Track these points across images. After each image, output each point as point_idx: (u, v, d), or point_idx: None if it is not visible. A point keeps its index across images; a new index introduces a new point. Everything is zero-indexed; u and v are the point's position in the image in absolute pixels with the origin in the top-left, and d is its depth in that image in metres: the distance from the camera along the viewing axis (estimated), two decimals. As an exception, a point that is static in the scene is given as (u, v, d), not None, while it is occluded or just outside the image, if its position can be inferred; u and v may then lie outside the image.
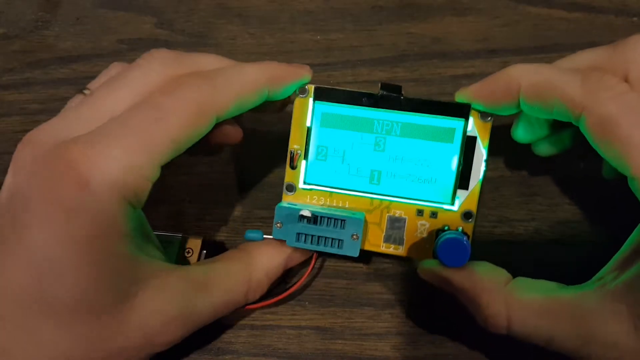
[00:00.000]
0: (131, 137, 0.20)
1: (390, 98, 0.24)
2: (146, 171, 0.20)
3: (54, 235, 0.19)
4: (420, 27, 0.33)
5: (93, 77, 0.24)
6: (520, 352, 0.24)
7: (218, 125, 0.22)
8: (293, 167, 0.25)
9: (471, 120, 0.23)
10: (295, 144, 0.25)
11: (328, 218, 0.23)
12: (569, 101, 0.21)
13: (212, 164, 0.30)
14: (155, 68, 0.22)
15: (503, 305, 0.22)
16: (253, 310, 0.26)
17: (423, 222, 0.25)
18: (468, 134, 0.24)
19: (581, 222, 0.28)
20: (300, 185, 0.25)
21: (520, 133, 0.25)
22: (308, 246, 0.23)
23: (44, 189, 0.19)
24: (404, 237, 0.25)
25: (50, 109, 0.32)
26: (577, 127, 0.21)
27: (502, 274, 0.23)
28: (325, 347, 0.26)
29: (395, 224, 0.25)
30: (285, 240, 0.23)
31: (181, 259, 0.26)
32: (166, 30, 0.34)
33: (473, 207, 0.24)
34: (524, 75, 0.22)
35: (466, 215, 0.24)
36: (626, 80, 0.21)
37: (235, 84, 0.22)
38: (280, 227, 0.23)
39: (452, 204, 0.24)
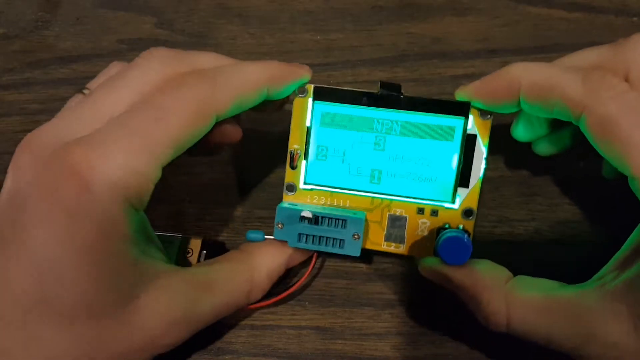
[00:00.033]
0: (132, 138, 0.20)
1: (390, 97, 0.24)
2: (147, 172, 0.20)
3: (54, 236, 0.19)
4: (420, 27, 0.33)
5: (93, 77, 0.24)
6: (521, 352, 0.24)
7: (218, 124, 0.22)
8: (293, 167, 0.25)
9: (471, 118, 0.23)
10: (295, 144, 0.25)
11: (329, 218, 0.23)
12: (569, 100, 0.21)
13: (212, 164, 0.30)
14: (155, 67, 0.22)
15: (503, 303, 0.22)
16: (253, 310, 0.26)
17: (424, 220, 0.25)
18: (468, 132, 0.24)
19: (581, 222, 0.27)
20: (301, 185, 0.25)
21: (520, 132, 0.25)
22: (310, 246, 0.23)
23: (45, 191, 0.19)
24: (405, 236, 0.25)
25: (50, 109, 0.32)
26: (577, 126, 0.21)
27: (502, 272, 0.23)
28: (325, 347, 0.26)
29: (396, 222, 0.25)
30: (286, 241, 0.23)
31: (181, 260, 0.26)
32: (166, 30, 0.34)
33: (473, 204, 0.24)
34: (525, 74, 0.22)
35: (467, 212, 0.24)
36: (627, 79, 0.21)
37: (235, 82, 0.22)
38: (281, 228, 0.23)
39: (453, 202, 0.24)
